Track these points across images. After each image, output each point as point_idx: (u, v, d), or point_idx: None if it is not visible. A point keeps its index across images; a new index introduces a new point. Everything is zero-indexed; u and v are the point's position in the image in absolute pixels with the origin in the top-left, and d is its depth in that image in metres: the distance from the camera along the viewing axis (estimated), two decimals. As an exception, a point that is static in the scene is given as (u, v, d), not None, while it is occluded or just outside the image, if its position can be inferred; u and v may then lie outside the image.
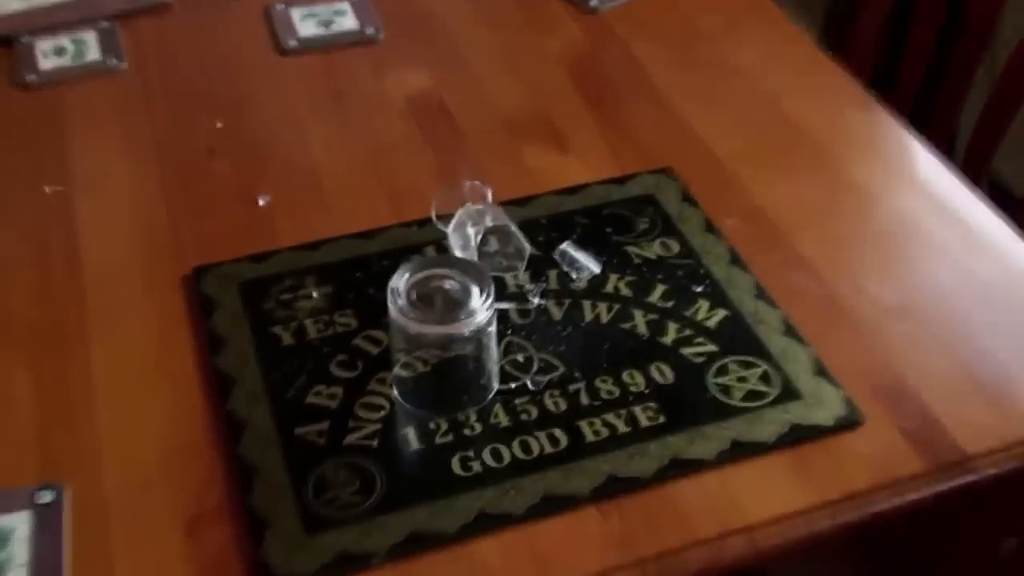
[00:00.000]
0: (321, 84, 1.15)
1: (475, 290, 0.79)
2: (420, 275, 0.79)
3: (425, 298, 0.79)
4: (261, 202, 1.00)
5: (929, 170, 1.05)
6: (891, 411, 0.83)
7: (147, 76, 1.16)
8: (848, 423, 0.81)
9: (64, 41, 1.19)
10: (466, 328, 0.77)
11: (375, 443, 0.79)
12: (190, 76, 1.16)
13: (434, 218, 0.94)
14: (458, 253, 0.92)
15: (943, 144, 1.48)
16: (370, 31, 1.22)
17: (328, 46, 1.20)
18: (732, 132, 1.09)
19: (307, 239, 0.96)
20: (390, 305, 0.78)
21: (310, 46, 1.20)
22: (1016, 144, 1.43)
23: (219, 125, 1.09)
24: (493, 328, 0.80)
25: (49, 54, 1.17)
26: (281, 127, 1.09)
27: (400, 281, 0.79)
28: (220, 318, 0.88)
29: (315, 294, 0.90)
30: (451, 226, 0.92)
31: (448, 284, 0.80)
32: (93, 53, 1.17)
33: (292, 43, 1.20)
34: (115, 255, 0.95)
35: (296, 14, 1.24)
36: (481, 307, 0.78)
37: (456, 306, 0.78)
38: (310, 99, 1.13)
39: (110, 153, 1.06)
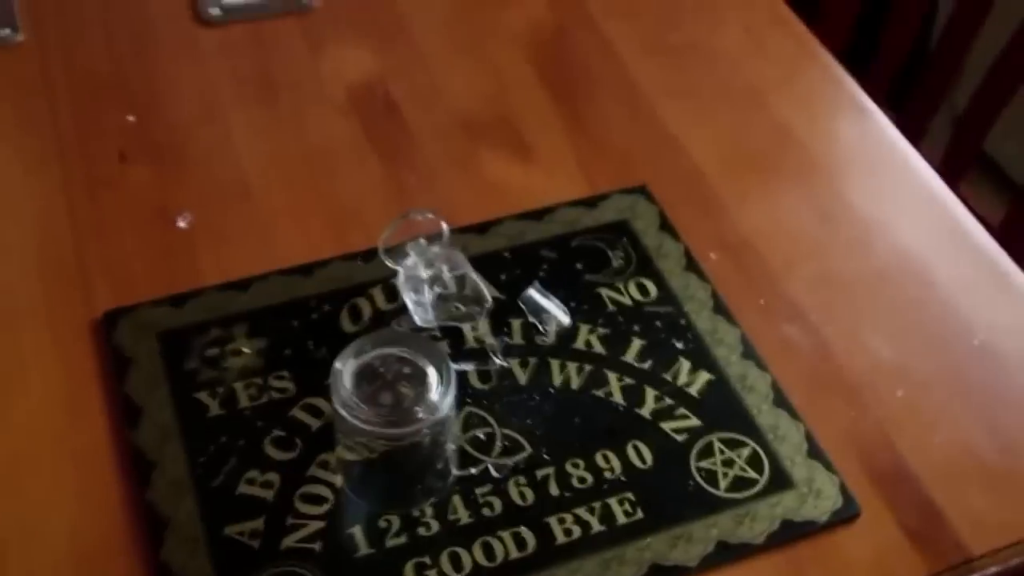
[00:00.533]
0: (248, 65, 1.01)
1: (431, 374, 0.68)
2: (366, 357, 0.69)
3: (373, 383, 0.68)
4: (181, 223, 0.87)
5: (929, 192, 0.96)
6: (890, 501, 0.75)
7: (47, 52, 1.00)
8: (844, 517, 0.73)
9: (-52, 3, 1.03)
10: (420, 426, 0.67)
11: (317, 546, 0.70)
12: (98, 52, 1.01)
13: (382, 253, 0.82)
14: (408, 300, 0.81)
15: (927, 120, 1.38)
16: (305, -3, 1.07)
17: (255, 15, 1.06)
18: (713, 137, 0.98)
19: (235, 273, 0.84)
20: (333, 396, 0.67)
21: (235, 15, 1.05)
22: (1015, 124, 1.34)
23: (131, 119, 0.95)
24: (452, 411, 0.70)
25: (-69, 20, 1.01)
26: (203, 123, 0.95)
27: (344, 366, 0.68)
28: (136, 381, 0.77)
29: (246, 349, 0.79)
30: (401, 269, 0.81)
31: (399, 367, 0.69)
32: (-18, 21, 1.02)
33: (214, 11, 1.05)
34: (13, 290, 0.82)
35: (219, -27, 1.08)
36: (440, 401, 0.67)
37: (411, 396, 0.68)
38: (236, 85, 0.99)
39: (4, 155, 0.92)
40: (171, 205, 0.88)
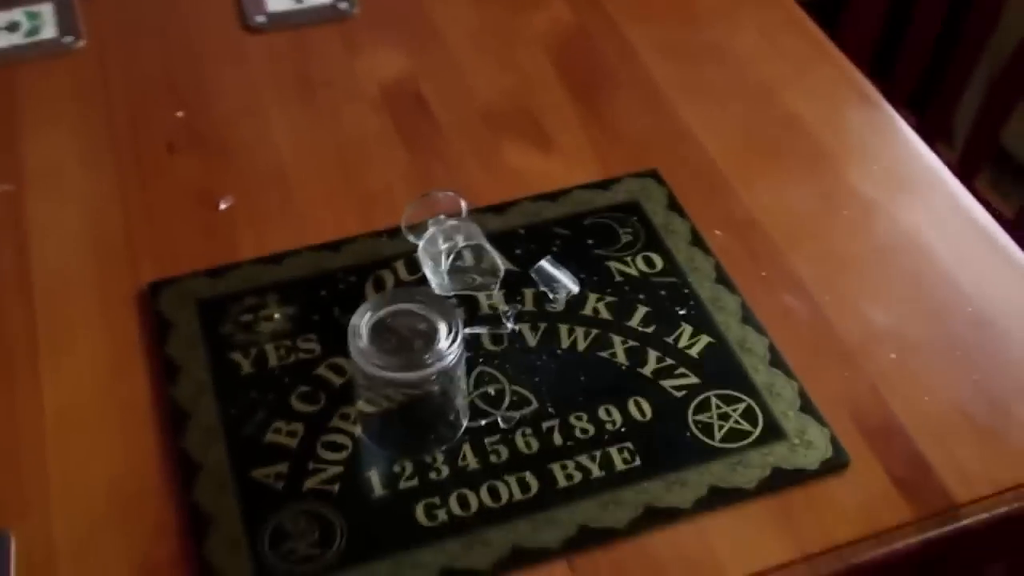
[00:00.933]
0: (289, 68, 1.09)
1: (442, 328, 0.74)
2: (382, 312, 0.75)
3: (387, 337, 0.74)
4: (223, 206, 0.94)
5: (933, 177, 1.00)
6: (880, 453, 0.79)
7: (105, 57, 1.09)
8: (834, 466, 0.77)
9: (18, 15, 1.12)
10: (431, 372, 0.73)
11: (336, 488, 0.75)
12: (151, 57, 1.09)
13: (404, 230, 0.88)
14: (428, 270, 0.87)
15: (947, 118, 1.42)
16: (343, 6, 1.15)
17: (298, 23, 1.13)
18: (725, 128, 1.03)
19: (270, 249, 0.90)
20: (351, 346, 0.73)
21: (279, 23, 1.13)
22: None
23: (180, 115, 1.03)
24: (462, 365, 0.76)
25: (1, 29, 1.11)
26: (245, 118, 1.03)
27: (361, 320, 0.74)
28: (176, 342, 0.84)
29: (277, 315, 0.86)
30: (422, 242, 0.87)
31: (412, 322, 0.75)
32: (49, 30, 1.11)
33: (260, 19, 1.13)
34: (68, 267, 0.90)
35: (266, -15, 1.16)
36: (448, 349, 0.73)
37: (421, 347, 0.73)
38: (277, 85, 1.07)
39: (64, 147, 1.00)
40: (214, 190, 0.96)
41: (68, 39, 1.10)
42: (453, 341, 0.73)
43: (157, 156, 0.99)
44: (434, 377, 0.73)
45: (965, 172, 1.15)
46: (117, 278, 0.89)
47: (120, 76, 1.07)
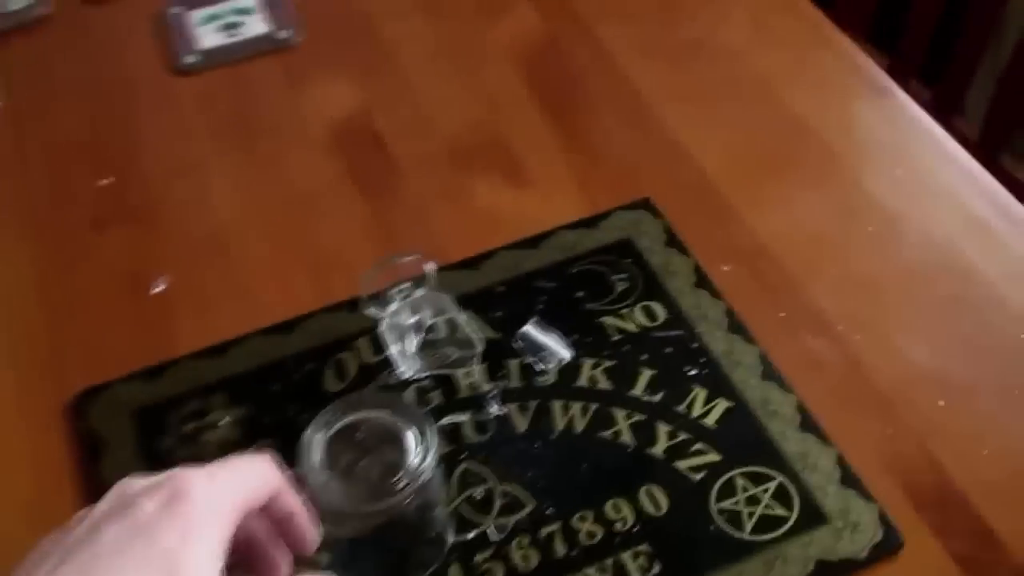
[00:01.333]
0: (227, 112, 0.96)
1: (410, 439, 0.62)
2: (336, 427, 0.63)
3: (346, 455, 0.62)
4: (156, 289, 0.83)
5: (963, 176, 0.87)
6: (937, 526, 0.67)
7: (21, 117, 0.97)
8: (886, 550, 0.66)
9: (-77, 78, 1.00)
10: (403, 498, 0.61)
11: (304, 634, 0.64)
12: (73, 116, 0.97)
13: (364, 302, 0.76)
14: (394, 350, 0.75)
15: (962, 89, 1.29)
16: (284, 34, 1.02)
17: (235, 58, 1.01)
18: (722, 138, 0.91)
19: (212, 337, 0.79)
20: (301, 471, 0.61)
21: (213, 60, 1.01)
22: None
23: (105, 182, 0.91)
24: (439, 473, 0.64)
25: (-95, 97, 0.98)
26: (179, 178, 0.91)
27: (311, 440, 0.62)
28: (110, 464, 0.72)
29: (223, 421, 0.74)
30: (385, 317, 0.75)
31: (373, 433, 0.63)
32: (-45, 93, 0.98)
33: (191, 59, 1.01)
34: (-18, 380, 0.78)
35: (195, 18, 1.04)
36: (420, 465, 0.61)
37: (389, 465, 0.61)
38: (214, 135, 0.94)
39: (-23, 234, 0.88)
40: (146, 270, 0.84)
41: (-23, 102, 0.98)
42: (426, 453, 0.62)
43: (81, 234, 0.87)
44: (408, 500, 0.61)
45: (988, 148, 1.02)
46: (39, 389, 0.77)
47: (38, 141, 0.95)
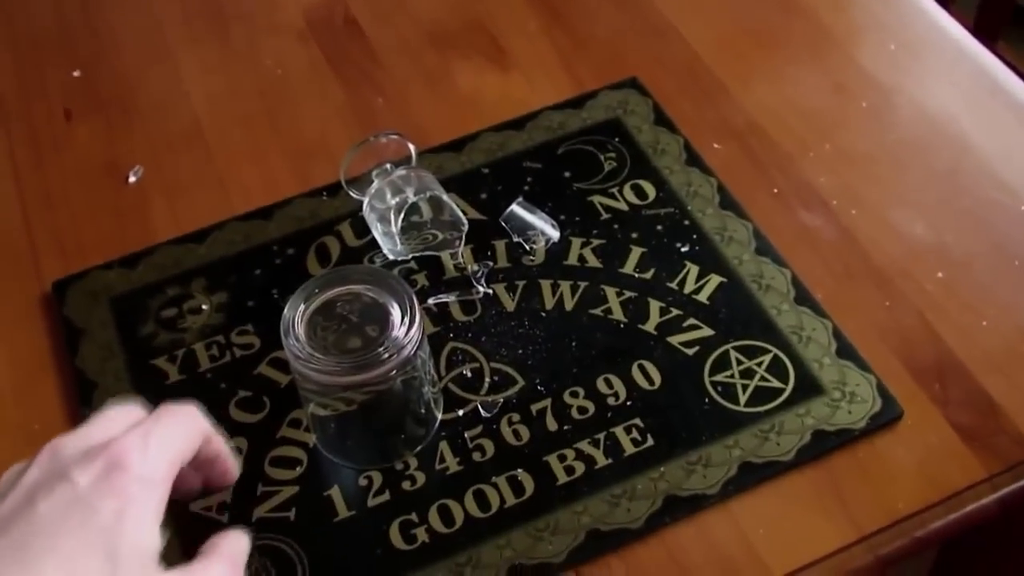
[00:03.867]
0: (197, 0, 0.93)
1: (394, 311, 0.60)
2: (317, 301, 0.61)
3: (329, 330, 0.60)
4: (132, 178, 0.80)
5: (959, 51, 0.85)
6: (937, 398, 0.66)
7: (-15, 11, 0.94)
8: (885, 421, 0.64)
9: None
10: (388, 369, 0.59)
11: (292, 514, 0.63)
12: (39, 7, 0.93)
13: (345, 185, 0.74)
14: (377, 232, 0.73)
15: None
16: (256, -79, 0.98)
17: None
18: (711, 16, 0.88)
19: (190, 224, 0.76)
20: (286, 348, 0.59)
21: (183, -52, 0.97)
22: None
23: (76, 74, 0.88)
24: (425, 346, 0.62)
25: None
26: (151, 67, 0.88)
27: (294, 314, 0.60)
28: (88, 353, 0.70)
29: (205, 306, 0.72)
30: (367, 198, 0.73)
31: (357, 306, 0.61)
32: (-85, -13, 0.95)
33: (161, -52, 0.97)
34: (-45, 273, 0.76)
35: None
36: (405, 336, 0.59)
37: (372, 337, 0.60)
38: (185, 22, 0.91)
39: (-55, 125, 0.85)
40: (121, 160, 0.81)
41: (-62, -4, 0.94)
42: (410, 325, 0.60)
43: (53, 126, 0.84)
44: (393, 372, 0.60)
45: (983, 36, 0.99)
46: (15, 279, 0.75)
47: (5, 34, 0.92)
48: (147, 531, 0.42)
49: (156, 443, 0.44)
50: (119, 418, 0.45)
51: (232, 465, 0.51)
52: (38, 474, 0.42)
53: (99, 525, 0.40)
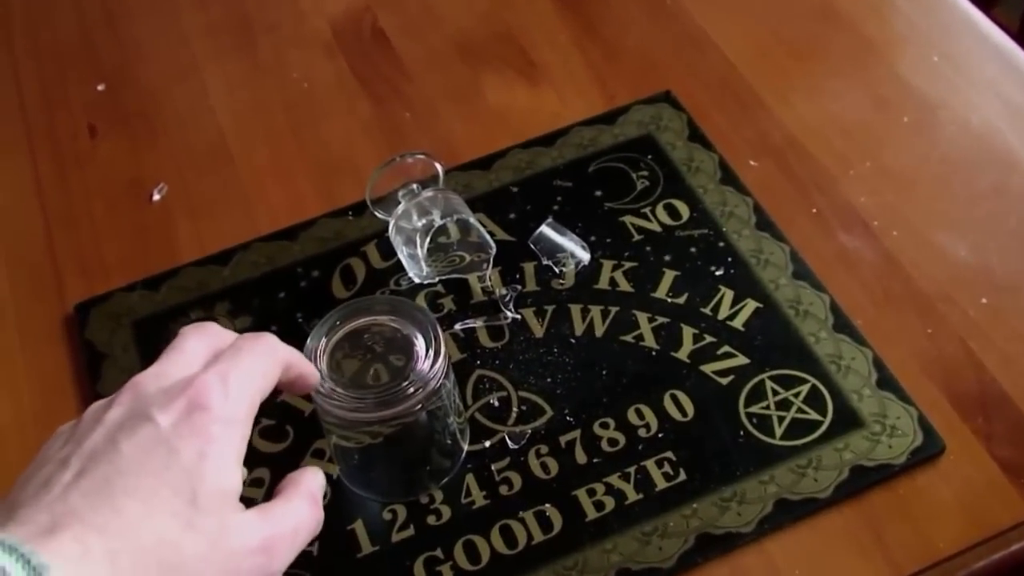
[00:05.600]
0: (223, 12, 0.92)
1: (418, 342, 0.59)
2: (342, 332, 0.59)
3: (352, 362, 0.59)
4: (156, 196, 0.79)
5: (1005, 61, 0.82)
6: (980, 431, 0.63)
7: (10, 22, 0.93)
8: (927, 455, 0.62)
9: (-92, -15, 0.95)
10: (413, 404, 0.58)
11: (315, 549, 0.61)
12: (64, 20, 0.93)
13: (370, 205, 0.73)
14: (403, 255, 0.71)
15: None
16: (283, -72, 0.97)
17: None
18: (747, 27, 0.86)
19: (214, 245, 0.75)
20: (308, 381, 0.58)
21: (209, -42, 0.96)
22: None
23: (101, 88, 0.87)
24: (451, 377, 0.61)
25: None
26: (176, 82, 0.86)
27: (317, 345, 0.59)
28: (110, 378, 0.69)
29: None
30: (392, 219, 0.71)
31: (380, 336, 0.60)
32: (-59, -1, 0.94)
33: (187, -43, 0.96)
34: (-22, 294, 0.75)
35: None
36: (430, 369, 0.58)
37: (397, 370, 0.58)
38: (211, 35, 0.90)
39: (-32, 142, 0.85)
40: (145, 177, 0.80)
41: (-36, 8, 0.93)
42: (435, 357, 0.58)
43: (77, 142, 0.83)
44: (418, 406, 0.58)
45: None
46: (38, 301, 0.74)
47: (29, 47, 0.91)
48: (228, 472, 0.42)
49: (236, 382, 0.44)
50: (199, 349, 0.46)
51: (312, 378, 0.51)
52: (121, 413, 0.42)
53: (181, 466, 0.41)
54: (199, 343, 0.46)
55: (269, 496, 0.61)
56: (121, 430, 0.41)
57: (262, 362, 0.46)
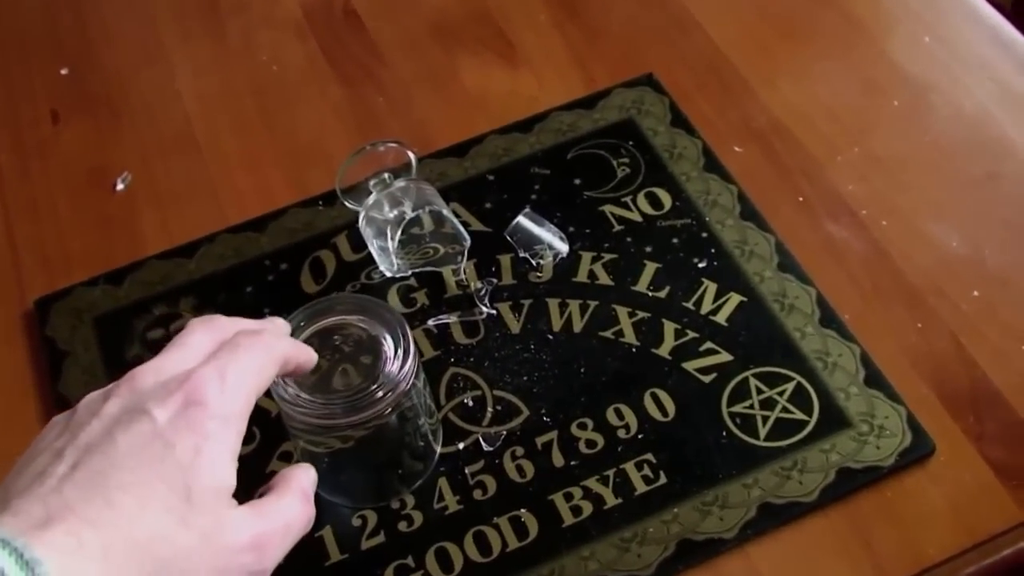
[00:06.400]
0: (192, -10, 0.89)
1: (387, 342, 0.56)
2: (306, 333, 0.57)
3: (317, 366, 0.56)
4: (120, 186, 0.76)
5: (998, 42, 0.79)
6: (971, 431, 0.61)
7: (-30, 5, 0.89)
8: (916, 456, 0.60)
9: None
10: (382, 408, 0.55)
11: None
12: (26, 1, 0.89)
13: (340, 194, 0.70)
14: (374, 247, 0.69)
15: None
16: (254, -96, 0.93)
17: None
18: (732, 6, 0.83)
19: (180, 236, 0.73)
20: (271, 388, 0.55)
21: (178, -64, 0.92)
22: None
23: (64, 72, 0.84)
24: (421, 376, 0.58)
25: None
26: (142, 66, 0.83)
27: (280, 349, 0.56)
28: (71, 377, 0.67)
29: (193, 327, 0.68)
30: (363, 210, 0.68)
31: (347, 337, 0.57)
32: (-102, -20, 0.91)
33: (154, -66, 0.92)
34: (-66, 290, 0.73)
35: None
36: (399, 372, 0.55)
37: (363, 368, 0.56)
38: (178, 17, 0.87)
39: (-73, 129, 0.82)
40: (109, 165, 0.77)
41: (-77, -12, 0.90)
42: (404, 358, 0.56)
43: (40, 128, 0.80)
44: (388, 410, 0.56)
45: (1022, 17, 0.94)
46: (-2, 296, 0.71)
47: (-11, 26, 0.88)
48: (223, 468, 0.42)
49: (233, 378, 0.44)
50: (203, 343, 0.45)
51: (310, 364, 0.51)
52: (117, 406, 0.42)
53: (176, 461, 0.41)
54: (204, 337, 0.46)
55: (239, 497, 0.59)
56: (118, 424, 0.41)
57: (260, 358, 0.45)
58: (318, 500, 0.59)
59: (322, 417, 0.55)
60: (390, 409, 0.56)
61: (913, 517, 0.58)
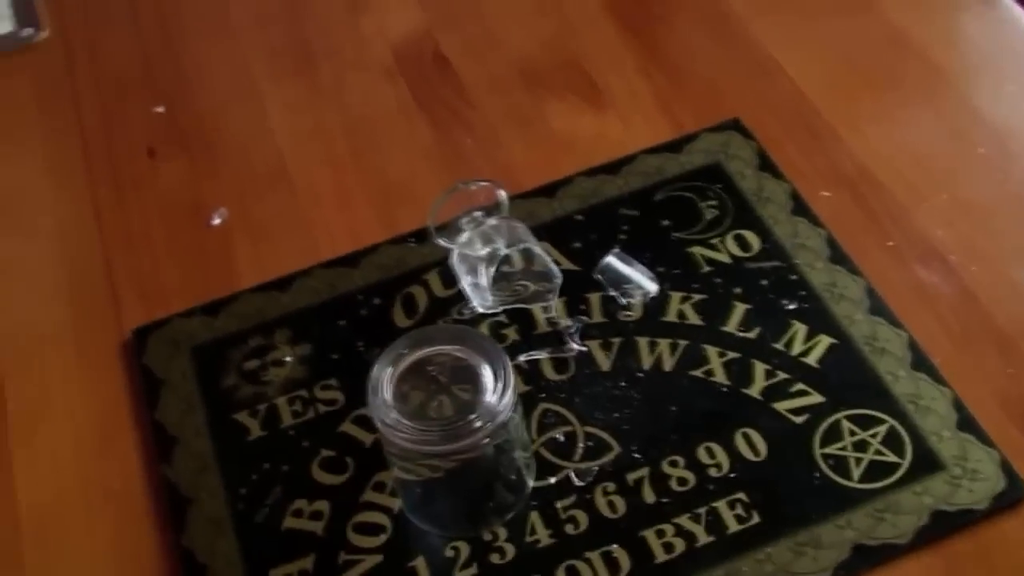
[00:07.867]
0: (283, 35, 0.91)
1: (486, 374, 0.57)
2: (408, 361, 0.58)
3: (418, 392, 0.57)
4: (216, 220, 0.78)
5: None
6: (1067, 475, 0.61)
7: (71, 48, 0.92)
8: (1010, 501, 0.60)
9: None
10: (480, 438, 0.56)
11: (376, 585, 0.60)
12: (123, 43, 0.92)
13: (432, 232, 0.71)
14: (466, 284, 0.70)
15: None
16: (343, -48, 0.96)
17: (291, -23, 0.95)
18: (818, 55, 0.84)
19: (274, 270, 0.74)
20: (372, 412, 0.57)
21: (269, -19, 0.95)
22: None
23: (159, 110, 0.86)
24: (519, 410, 0.59)
25: (-51, 27, 0.94)
26: (235, 104, 0.86)
27: (382, 374, 0.57)
28: (168, 405, 0.68)
29: (288, 358, 0.69)
30: (455, 248, 0.70)
31: (447, 367, 0.58)
32: (4, 24, 0.94)
33: (247, -21, 0.95)
34: (37, 318, 0.75)
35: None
36: (499, 403, 0.56)
37: (464, 402, 0.57)
38: (270, 59, 0.89)
39: (26, 162, 0.84)
40: (204, 201, 0.79)
41: (27, 31, 0.93)
42: (504, 389, 0.56)
43: (136, 164, 0.83)
44: (485, 440, 0.57)
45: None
46: (98, 324, 0.73)
47: (89, 69, 0.91)
48: None
49: None
50: None
51: None
52: None
53: None
54: None
55: (329, 531, 0.60)
56: None
57: None
58: (412, 529, 0.61)
59: (420, 444, 0.56)
60: (487, 439, 0.57)
61: (1007, 563, 0.58)
